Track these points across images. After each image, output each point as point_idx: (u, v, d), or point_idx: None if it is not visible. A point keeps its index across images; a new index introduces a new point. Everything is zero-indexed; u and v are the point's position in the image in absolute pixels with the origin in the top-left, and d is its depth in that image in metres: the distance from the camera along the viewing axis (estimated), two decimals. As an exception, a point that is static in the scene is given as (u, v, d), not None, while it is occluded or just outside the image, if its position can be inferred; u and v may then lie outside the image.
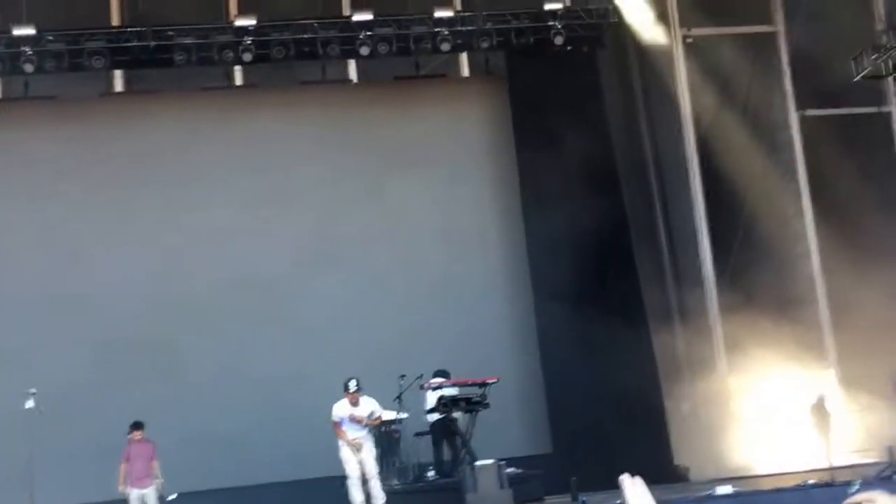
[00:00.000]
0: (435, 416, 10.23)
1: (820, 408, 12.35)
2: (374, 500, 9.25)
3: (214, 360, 11.93)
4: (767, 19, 13.57)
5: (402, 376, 10.40)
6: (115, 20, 12.82)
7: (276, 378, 11.85)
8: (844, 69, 13.01)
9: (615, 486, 9.19)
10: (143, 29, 11.91)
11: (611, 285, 12.41)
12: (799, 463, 11.25)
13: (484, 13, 12.53)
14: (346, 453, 9.34)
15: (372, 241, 12.53)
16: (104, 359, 11.73)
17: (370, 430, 9.52)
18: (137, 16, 12.66)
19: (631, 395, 11.72)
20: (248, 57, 12.07)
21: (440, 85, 13.44)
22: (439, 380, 10.16)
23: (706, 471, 11.58)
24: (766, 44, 13.52)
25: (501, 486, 8.91)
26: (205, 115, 12.75)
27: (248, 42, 11.97)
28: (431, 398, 10.17)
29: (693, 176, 13.13)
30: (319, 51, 12.21)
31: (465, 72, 13.66)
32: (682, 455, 11.89)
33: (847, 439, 12.27)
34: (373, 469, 9.34)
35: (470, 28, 12.40)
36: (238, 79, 13.16)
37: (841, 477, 9.07)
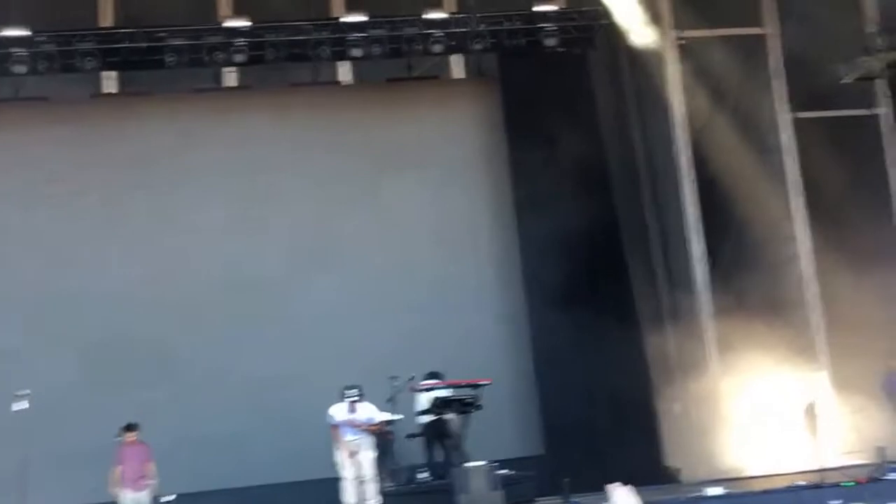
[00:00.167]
0: (427, 418, 10.24)
1: (811, 409, 12.40)
2: (369, 503, 9.23)
3: (208, 361, 11.92)
4: (759, 21, 13.62)
5: (395, 378, 10.41)
6: (107, 21, 12.78)
7: (270, 379, 11.85)
8: (835, 71, 13.07)
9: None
10: (135, 30, 11.88)
11: (603, 287, 12.43)
12: (790, 464, 11.29)
13: (476, 15, 12.51)
14: (341, 456, 9.33)
15: (365, 243, 12.53)
16: (97, 360, 11.71)
17: (369, 435, 9.49)
18: (129, 17, 12.62)
19: (623, 397, 11.75)
20: (239, 58, 12.06)
21: (432, 87, 13.43)
22: (431, 381, 10.16)
23: (698, 472, 11.61)
24: (757, 46, 13.57)
25: (493, 488, 8.93)
26: (196, 116, 12.72)
27: (240, 43, 11.96)
28: (423, 400, 10.18)
29: (685, 177, 13.18)
30: (311, 52, 12.20)
31: (458, 73, 13.65)
32: (674, 456, 11.93)
33: (838, 441, 12.33)
34: (369, 471, 9.33)
35: (462, 30, 12.41)
36: (230, 80, 13.12)
37: (831, 479, 9.09)
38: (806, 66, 13.11)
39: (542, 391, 12.12)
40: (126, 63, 12.13)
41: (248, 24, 12.01)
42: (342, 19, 12.42)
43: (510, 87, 13.04)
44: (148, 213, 12.29)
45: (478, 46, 12.54)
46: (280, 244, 12.39)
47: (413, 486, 10.27)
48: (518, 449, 11.80)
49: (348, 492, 9.28)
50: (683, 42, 13.36)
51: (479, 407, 9.92)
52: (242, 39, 11.96)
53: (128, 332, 11.82)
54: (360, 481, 9.31)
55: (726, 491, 8.86)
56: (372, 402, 9.74)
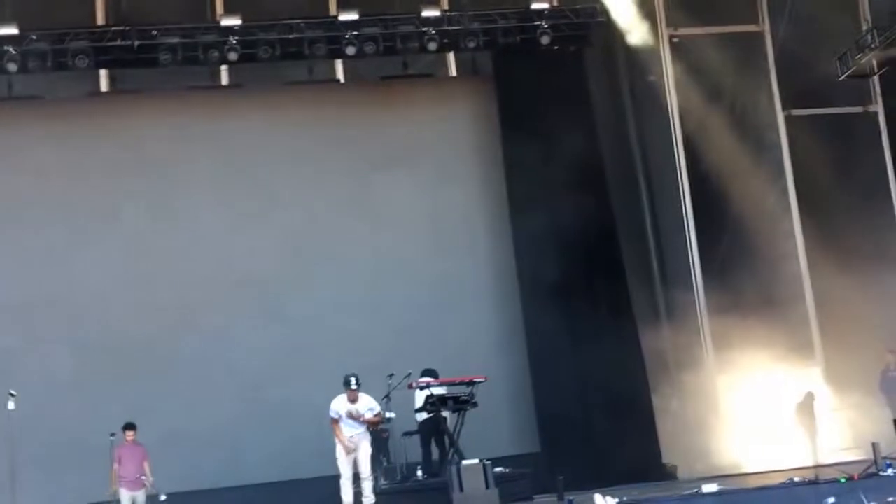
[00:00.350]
0: (423, 416, 10.22)
1: (807, 406, 12.43)
2: (364, 500, 9.20)
3: (203, 360, 11.88)
4: (753, 19, 13.64)
5: (391, 375, 10.39)
6: (100, 20, 12.76)
7: (265, 378, 11.83)
8: (830, 68, 13.10)
9: (604, 485, 9.20)
10: (128, 28, 11.85)
11: (598, 284, 12.43)
12: (786, 461, 11.30)
13: (471, 12, 12.53)
14: (341, 452, 9.25)
15: (360, 241, 12.51)
16: (88, 360, 11.66)
17: (368, 430, 9.43)
18: (122, 15, 12.59)
19: (619, 394, 11.75)
20: (233, 56, 12.03)
21: (427, 85, 13.43)
22: (427, 379, 10.14)
23: (694, 469, 11.63)
24: (752, 43, 13.59)
25: (487, 486, 8.89)
26: (191, 114, 12.68)
27: (234, 42, 11.93)
28: (420, 397, 10.15)
29: (680, 174, 13.19)
30: (306, 51, 12.18)
31: (453, 71, 13.66)
32: (671, 453, 11.93)
33: (833, 437, 12.35)
34: (367, 469, 9.29)
35: (457, 28, 12.40)
36: (224, 79, 13.12)
37: (827, 475, 9.09)
38: (800, 64, 13.15)
39: (538, 388, 12.11)
40: (119, 61, 12.11)
41: (242, 22, 11.97)
42: (337, 18, 12.39)
43: (505, 85, 13.03)
44: (142, 212, 12.25)
45: (472, 44, 12.54)
46: (274, 242, 12.36)
47: (408, 484, 10.25)
48: (514, 446, 11.79)
49: (345, 490, 9.20)
50: (678, 40, 13.39)
51: (474, 404, 9.89)
52: (236, 38, 11.93)
53: (122, 331, 11.79)
54: (357, 479, 9.26)
55: (721, 488, 8.83)
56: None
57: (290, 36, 12.07)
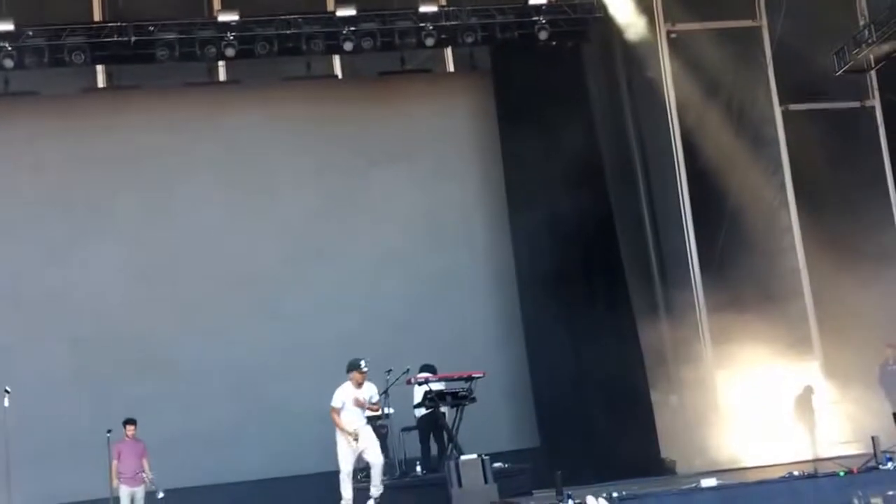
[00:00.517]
0: (421, 411, 10.21)
1: (805, 400, 12.45)
2: (372, 490, 9.00)
3: (200, 356, 11.87)
4: (751, 14, 13.66)
5: (389, 371, 10.37)
6: (97, 15, 12.72)
7: (263, 374, 11.82)
8: (827, 63, 13.11)
9: (603, 480, 9.18)
10: (124, 24, 11.82)
11: (596, 278, 12.44)
12: (785, 455, 11.32)
13: (468, 8, 12.50)
14: (342, 445, 9.00)
15: (357, 236, 12.51)
16: (85, 356, 11.65)
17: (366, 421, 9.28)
18: (118, 11, 12.56)
19: (618, 389, 11.77)
20: (230, 52, 12.00)
21: (425, 80, 13.42)
22: (425, 374, 10.13)
23: (693, 463, 11.64)
24: (749, 38, 13.61)
25: (486, 481, 8.87)
26: (188, 110, 12.66)
27: (231, 37, 11.90)
28: (418, 393, 10.14)
29: (678, 169, 13.20)
30: (303, 46, 12.15)
31: (450, 67, 13.65)
32: (669, 448, 11.94)
33: (832, 431, 12.37)
34: (378, 457, 9.02)
35: (454, 23, 12.38)
36: (221, 75, 13.10)
37: (825, 468, 9.09)
38: (798, 59, 13.16)
39: (537, 384, 12.12)
40: (116, 57, 12.09)
41: (239, 17, 11.93)
42: (334, 13, 12.35)
43: (503, 81, 13.03)
44: (139, 208, 12.22)
45: (470, 40, 12.52)
46: (272, 238, 12.35)
47: (407, 479, 10.23)
48: (512, 441, 11.80)
49: (345, 486, 9.00)
50: (676, 35, 13.41)
51: (472, 399, 9.87)
52: (233, 33, 11.89)
53: (119, 327, 11.77)
54: (355, 473, 9.16)
55: (720, 482, 8.82)
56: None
57: (288, 32, 12.04)
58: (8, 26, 11.45)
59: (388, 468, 10.51)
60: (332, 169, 12.64)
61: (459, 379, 9.96)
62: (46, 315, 11.70)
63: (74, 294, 11.83)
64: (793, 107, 13.49)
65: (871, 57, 13.02)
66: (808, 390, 12.47)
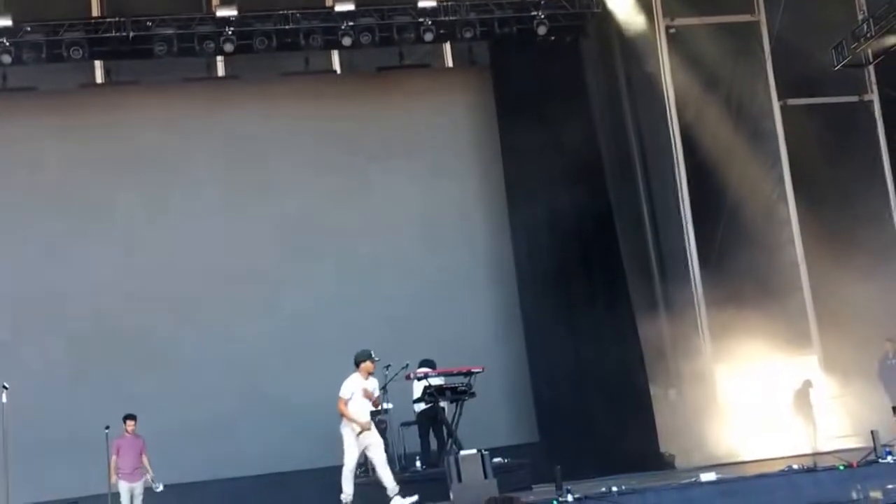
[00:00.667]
0: (421, 406, 10.22)
1: (804, 394, 12.47)
2: (391, 495, 8.87)
3: (197, 352, 11.87)
4: (749, 9, 13.66)
5: (388, 367, 10.37)
6: (95, 11, 12.69)
7: (261, 370, 11.81)
8: (826, 58, 13.10)
9: (602, 475, 9.16)
10: (123, 19, 11.79)
11: (596, 273, 12.45)
12: (784, 449, 11.33)
13: (467, 3, 12.47)
14: (349, 438, 8.86)
15: (356, 232, 12.50)
16: (83, 353, 11.64)
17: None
18: (116, 6, 12.53)
19: (617, 384, 11.78)
20: (229, 48, 11.99)
21: (424, 75, 13.41)
22: (425, 369, 10.13)
23: (692, 458, 11.66)
24: (748, 33, 13.61)
25: (486, 476, 8.87)
26: (186, 106, 12.65)
27: (230, 32, 11.89)
28: (418, 388, 10.15)
29: (677, 164, 13.20)
30: (302, 41, 12.14)
31: (449, 62, 13.64)
32: (668, 442, 11.96)
33: (831, 425, 12.39)
34: (383, 457, 8.93)
35: (453, 18, 12.36)
36: (220, 70, 13.08)
37: (825, 462, 9.11)
38: (796, 54, 13.16)
39: (536, 379, 12.13)
40: (114, 53, 12.08)
41: (238, 13, 11.91)
42: (333, 8, 12.32)
43: (502, 76, 13.03)
44: (137, 204, 12.21)
45: (469, 35, 12.52)
46: (270, 233, 12.34)
47: (407, 474, 10.23)
48: (512, 436, 11.83)
49: (347, 481, 8.90)
50: (674, 30, 13.40)
51: (472, 394, 9.88)
52: (232, 29, 11.88)
53: (118, 324, 11.76)
54: (363, 463, 9.11)
55: (719, 476, 8.83)
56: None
57: (287, 27, 12.03)
58: (6, 22, 11.43)
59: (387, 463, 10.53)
60: (331, 164, 12.63)
61: (459, 374, 9.96)
62: (45, 311, 11.69)
63: (72, 289, 11.82)
64: (791, 101, 13.49)
65: (870, 51, 13.05)
66: (807, 384, 12.49)
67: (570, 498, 8.23)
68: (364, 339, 11.45)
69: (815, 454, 10.37)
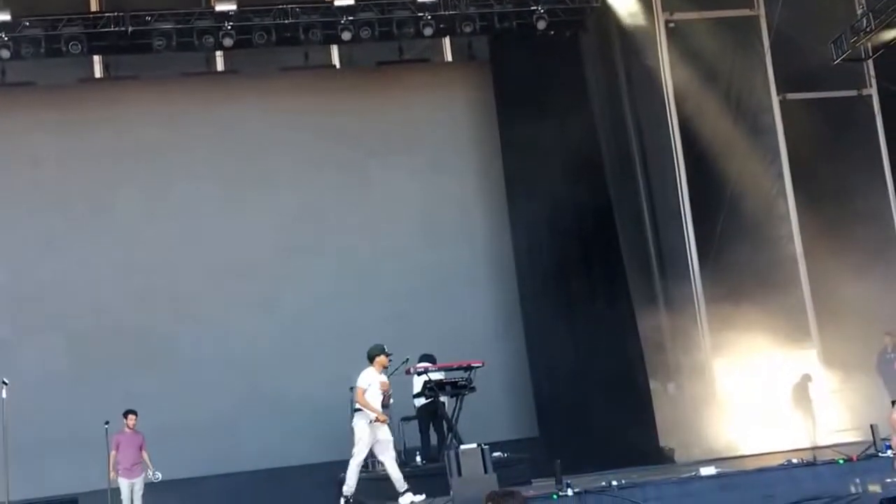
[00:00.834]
0: (421, 401, 10.22)
1: (803, 388, 12.49)
2: (397, 485, 8.84)
3: (197, 348, 11.87)
4: (749, 3, 13.66)
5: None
6: (93, 5, 12.67)
7: (261, 365, 11.81)
8: (825, 52, 13.10)
9: (601, 469, 9.17)
10: (121, 14, 11.76)
11: (595, 268, 12.45)
12: (783, 443, 11.35)
13: (467, -2, 12.48)
14: (362, 431, 8.73)
15: (356, 227, 12.49)
16: (82, 349, 11.64)
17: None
18: (115, 1, 12.50)
19: (616, 378, 11.78)
20: (228, 42, 11.95)
21: (423, 70, 13.39)
22: (425, 364, 10.13)
23: (692, 452, 11.67)
24: (747, 27, 13.60)
25: (486, 471, 8.88)
26: (185, 101, 12.63)
27: (229, 27, 11.86)
28: (418, 383, 10.15)
29: (676, 158, 13.20)
30: (301, 36, 12.11)
31: (449, 57, 13.62)
32: (668, 437, 11.97)
33: (830, 419, 12.40)
34: (392, 455, 8.90)
35: (453, 13, 12.33)
36: (219, 65, 13.06)
37: (824, 456, 9.13)
38: (795, 48, 13.15)
39: (536, 374, 12.14)
40: (113, 48, 12.05)
41: (237, 7, 11.88)
42: (332, 3, 12.29)
43: (501, 70, 13.01)
44: (136, 199, 12.19)
45: (468, 29, 12.49)
46: (270, 229, 12.33)
47: (407, 469, 10.21)
48: (512, 431, 11.83)
49: (353, 473, 8.77)
50: (674, 24, 13.39)
51: (472, 389, 9.89)
52: (231, 23, 11.85)
53: (117, 320, 11.77)
54: (372, 462, 9.08)
55: (719, 471, 8.85)
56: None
57: (286, 21, 12.00)
58: (4, 16, 11.39)
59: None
60: (330, 159, 12.61)
61: (459, 368, 9.97)
62: (43, 307, 11.67)
63: (71, 286, 11.81)
64: (790, 96, 13.49)
65: (869, 46, 13.02)
66: (806, 378, 12.50)
67: (569, 492, 8.23)
68: (364, 336, 11.43)
69: (814, 448, 10.37)
